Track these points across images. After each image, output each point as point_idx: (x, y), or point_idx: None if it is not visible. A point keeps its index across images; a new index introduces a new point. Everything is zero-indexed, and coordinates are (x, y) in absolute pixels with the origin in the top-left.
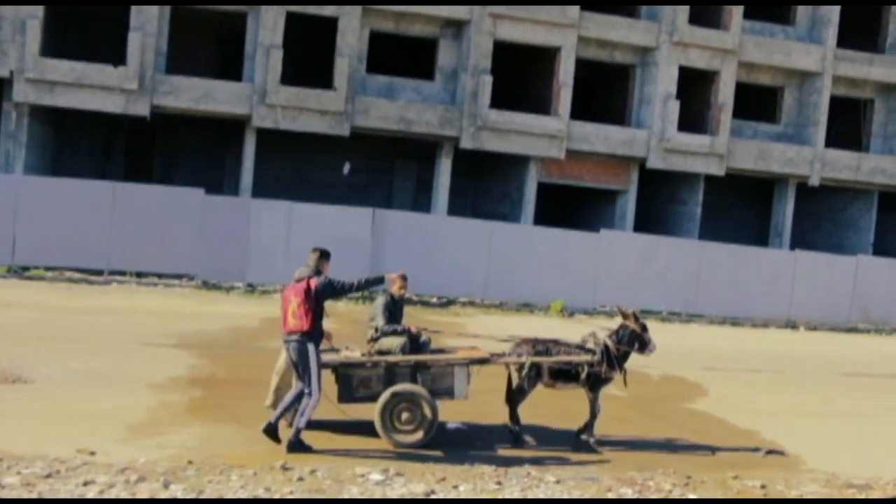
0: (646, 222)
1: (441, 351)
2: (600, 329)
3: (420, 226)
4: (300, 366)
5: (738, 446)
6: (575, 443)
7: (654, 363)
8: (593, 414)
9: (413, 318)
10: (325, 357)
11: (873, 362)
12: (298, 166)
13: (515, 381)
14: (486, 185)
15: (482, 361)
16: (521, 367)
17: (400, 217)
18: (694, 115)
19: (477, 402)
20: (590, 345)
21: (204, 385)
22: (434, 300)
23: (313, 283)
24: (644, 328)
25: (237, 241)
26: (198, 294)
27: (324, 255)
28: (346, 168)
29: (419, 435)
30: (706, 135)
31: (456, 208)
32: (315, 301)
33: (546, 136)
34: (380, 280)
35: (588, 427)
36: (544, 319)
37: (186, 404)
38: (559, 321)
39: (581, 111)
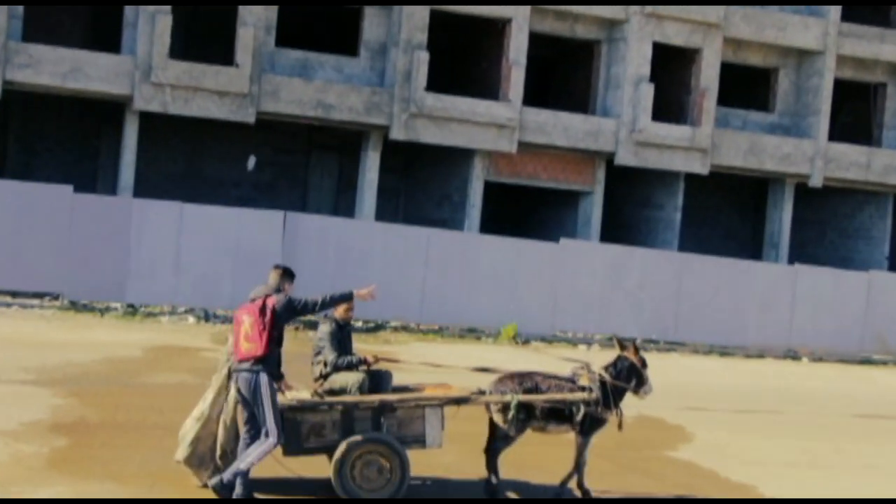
0: (615, 230)
1: (405, 389)
2: (573, 361)
3: (341, 233)
4: (252, 402)
5: None
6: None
7: (625, 401)
8: (580, 463)
9: None
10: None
11: (892, 401)
12: (192, 159)
13: (500, 424)
14: (421, 184)
15: (460, 401)
16: (505, 407)
17: (316, 222)
18: (671, 102)
19: (440, 452)
20: (583, 380)
21: (70, 432)
22: (359, 324)
23: (270, 301)
24: (644, 363)
25: (114, 250)
26: (63, 317)
27: (287, 274)
28: (251, 162)
29: (385, 494)
30: (686, 125)
31: (385, 212)
32: (272, 323)
33: (494, 125)
34: (348, 297)
35: (571, 477)
36: (494, 348)
37: (47, 456)
38: (512, 350)
39: (537, 96)
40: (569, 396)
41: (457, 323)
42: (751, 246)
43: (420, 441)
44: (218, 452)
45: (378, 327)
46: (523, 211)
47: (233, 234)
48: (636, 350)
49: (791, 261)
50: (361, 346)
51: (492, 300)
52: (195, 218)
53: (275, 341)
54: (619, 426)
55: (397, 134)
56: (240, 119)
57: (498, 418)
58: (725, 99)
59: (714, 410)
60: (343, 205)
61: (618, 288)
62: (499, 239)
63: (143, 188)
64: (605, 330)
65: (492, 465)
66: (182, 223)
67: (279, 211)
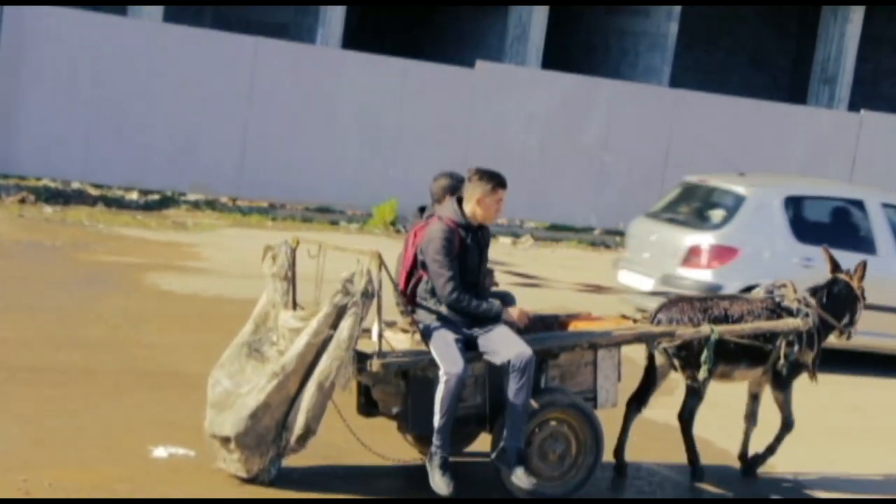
0: (567, 52)
1: (543, 320)
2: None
3: (98, 37)
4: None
5: None
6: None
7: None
8: (787, 424)
9: (91, 230)
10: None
11: None
12: None
13: (684, 372)
14: None
15: (654, 337)
16: (697, 346)
17: (54, 16)
18: None
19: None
20: (789, 301)
21: None
22: (134, 196)
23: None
24: (863, 293)
25: None
26: None
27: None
28: None
29: (571, 486)
30: None
31: (179, 13)
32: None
33: None
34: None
35: (772, 448)
36: (360, 239)
37: None
38: (391, 242)
39: None
40: (780, 324)
41: (299, 198)
42: (790, 80)
43: (590, 399)
44: (297, 431)
45: (165, 202)
46: (416, 18)
47: None
48: (862, 274)
49: (855, 105)
50: (133, 232)
51: (358, 161)
52: None
53: None
54: (813, 376)
55: None
56: None
57: (676, 362)
58: None
59: None
60: None
61: (570, 145)
62: (373, 59)
63: None
64: (544, 215)
65: (689, 436)
66: None
67: None
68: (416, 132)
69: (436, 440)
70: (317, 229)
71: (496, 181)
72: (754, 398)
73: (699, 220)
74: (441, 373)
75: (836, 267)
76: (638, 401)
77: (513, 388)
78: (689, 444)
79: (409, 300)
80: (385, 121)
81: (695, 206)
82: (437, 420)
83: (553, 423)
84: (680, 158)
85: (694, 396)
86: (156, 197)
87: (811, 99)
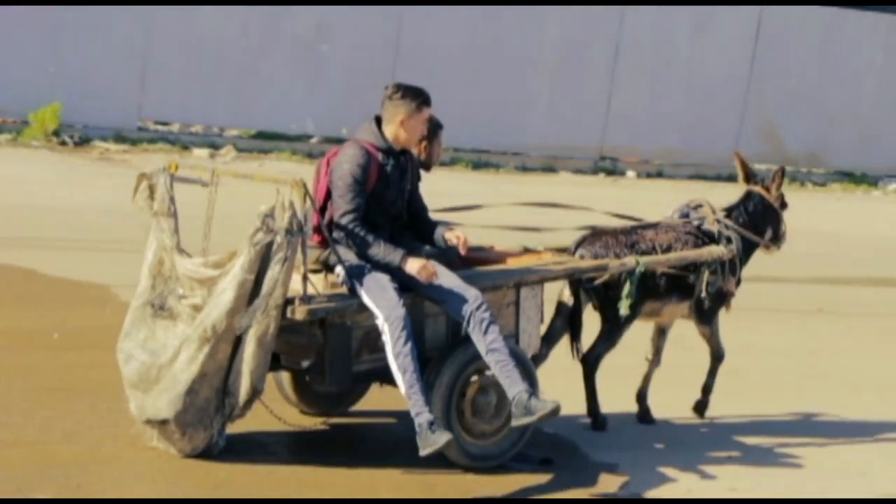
0: None
1: (478, 256)
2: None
3: None
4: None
5: None
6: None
7: None
8: (718, 356)
9: None
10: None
11: None
12: None
13: (612, 314)
14: None
15: (584, 272)
16: (621, 279)
17: None
18: None
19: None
20: (710, 224)
21: None
22: None
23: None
24: (784, 202)
25: None
26: None
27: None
28: None
29: (508, 444)
30: None
31: None
32: None
33: None
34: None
35: (708, 386)
36: (11, 153)
37: None
38: (47, 157)
39: None
40: (704, 253)
41: None
42: None
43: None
44: (243, 396)
45: None
46: None
47: None
48: (780, 182)
49: None
50: None
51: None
52: None
53: None
54: (728, 306)
55: None
56: None
57: (596, 301)
58: None
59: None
60: None
61: (278, 32)
62: None
63: None
64: (248, 121)
65: (592, 384)
66: None
67: None
68: (87, 20)
69: (411, 406)
70: None
71: (421, 98)
72: (662, 333)
73: None
74: (380, 321)
75: (748, 176)
76: (576, 346)
77: (479, 337)
78: (591, 391)
79: (323, 236)
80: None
81: None
82: (401, 382)
83: (486, 372)
84: (413, 47)
85: (608, 340)
86: None
87: None
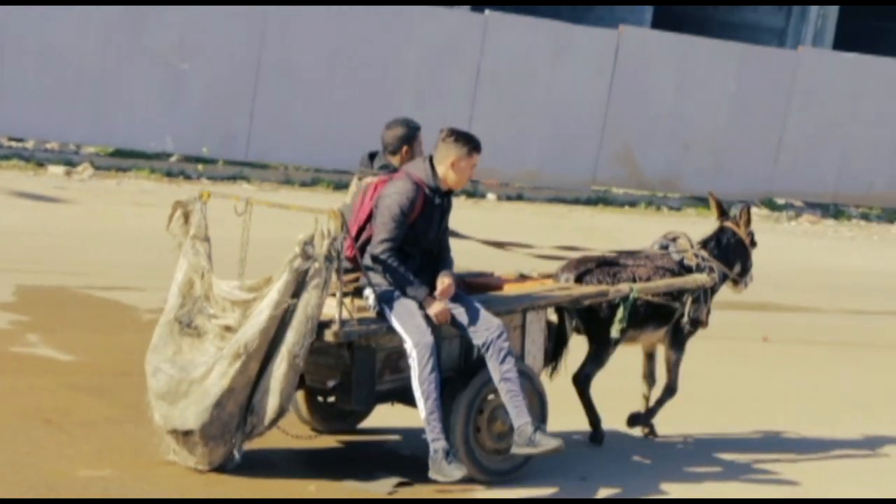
0: None
1: (480, 282)
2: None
3: None
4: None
5: None
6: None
7: None
8: (672, 389)
9: None
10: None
11: None
12: None
13: (598, 338)
14: None
15: (587, 298)
16: (606, 309)
17: None
18: None
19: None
20: (689, 258)
21: None
22: None
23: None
24: (753, 240)
25: None
26: None
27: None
28: None
29: (518, 462)
30: None
31: None
32: None
33: None
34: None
35: (653, 412)
36: None
37: None
38: None
39: None
40: (689, 281)
41: None
42: None
43: None
44: (270, 414)
45: None
46: None
47: None
48: (747, 219)
49: None
50: None
51: None
52: None
53: None
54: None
55: None
56: None
57: (581, 326)
58: None
59: None
60: None
61: (139, 48)
62: None
63: None
64: (106, 138)
65: (588, 400)
66: None
67: None
68: None
69: (429, 431)
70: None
71: (472, 144)
72: (650, 358)
73: None
74: (409, 346)
75: (722, 213)
76: (584, 371)
77: (495, 365)
78: (589, 406)
79: (356, 260)
80: None
81: None
82: (422, 407)
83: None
84: (274, 67)
85: (595, 361)
86: None
87: None
